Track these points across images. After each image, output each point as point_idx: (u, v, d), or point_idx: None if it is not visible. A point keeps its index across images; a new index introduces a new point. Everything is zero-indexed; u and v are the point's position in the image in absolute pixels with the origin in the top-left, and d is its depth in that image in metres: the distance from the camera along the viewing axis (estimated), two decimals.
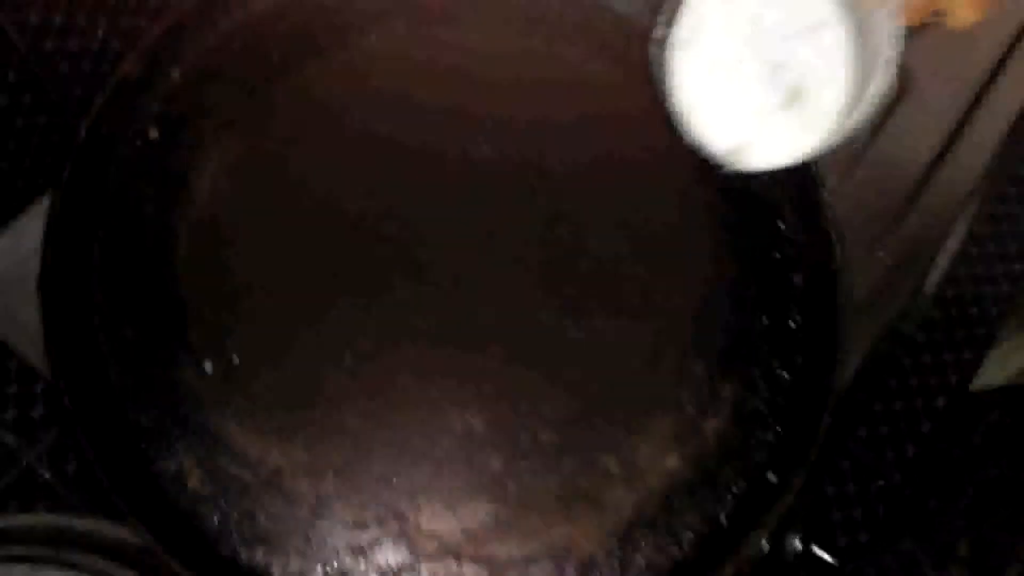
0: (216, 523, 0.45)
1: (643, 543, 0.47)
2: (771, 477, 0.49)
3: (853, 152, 0.65)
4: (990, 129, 0.68)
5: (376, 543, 0.46)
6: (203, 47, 0.54)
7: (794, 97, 0.39)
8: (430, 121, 0.55)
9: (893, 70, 0.37)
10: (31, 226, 0.53)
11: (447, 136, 0.55)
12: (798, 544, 0.52)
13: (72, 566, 0.48)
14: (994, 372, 0.96)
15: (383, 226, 0.53)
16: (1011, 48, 0.71)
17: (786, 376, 0.52)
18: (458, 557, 0.46)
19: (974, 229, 0.82)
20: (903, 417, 0.80)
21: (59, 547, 0.55)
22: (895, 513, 0.74)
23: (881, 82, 0.38)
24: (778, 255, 0.55)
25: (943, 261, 0.69)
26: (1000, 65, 0.70)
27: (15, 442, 0.62)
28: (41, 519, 0.56)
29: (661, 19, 0.41)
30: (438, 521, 0.47)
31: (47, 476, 0.64)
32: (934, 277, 0.68)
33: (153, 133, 0.52)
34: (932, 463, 0.76)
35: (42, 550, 0.54)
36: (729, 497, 0.49)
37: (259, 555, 0.45)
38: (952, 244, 0.70)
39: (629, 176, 0.56)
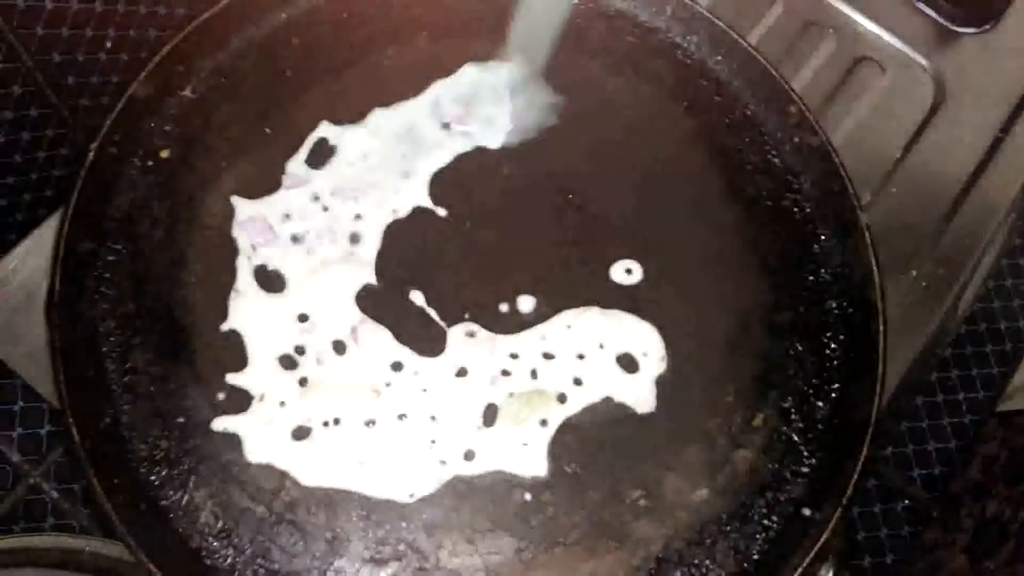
0: (229, 560, 0.43)
1: None
2: (806, 512, 0.47)
3: (887, 166, 0.63)
4: None
5: None
6: (215, 64, 0.53)
7: None
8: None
9: None
10: (38, 247, 0.52)
11: (469, 154, 0.54)
12: (830, 574, 0.50)
13: None
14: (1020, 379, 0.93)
15: (405, 246, 0.51)
16: None
17: (821, 405, 0.50)
18: None
19: (1011, 244, 0.79)
20: (930, 435, 0.78)
21: (66, 570, 0.54)
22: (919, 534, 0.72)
23: None
24: (813, 279, 0.53)
25: (979, 279, 0.67)
26: None
27: (21, 460, 0.61)
28: (48, 540, 0.55)
29: None
30: (459, 557, 0.45)
31: (54, 495, 0.63)
32: (969, 296, 0.66)
33: (164, 153, 0.51)
34: (934, 493, 0.75)
35: (49, 572, 0.53)
36: (761, 532, 0.47)
37: None
38: (989, 260, 0.67)
39: (659, 198, 0.54)
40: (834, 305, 0.52)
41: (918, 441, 0.77)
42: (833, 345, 0.51)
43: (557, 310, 0.51)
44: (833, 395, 0.50)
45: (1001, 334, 0.82)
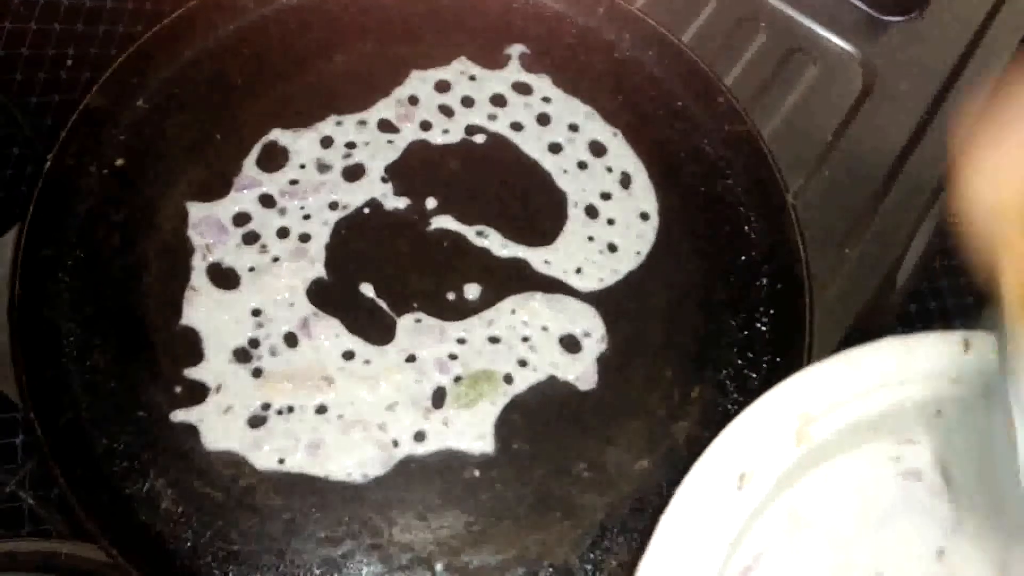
0: (189, 543, 0.45)
1: (615, 547, 0.48)
2: None
3: (819, 150, 0.66)
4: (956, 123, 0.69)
5: (350, 556, 0.46)
6: (167, 76, 0.55)
7: None
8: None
9: None
10: (1, 257, 0.54)
11: (416, 151, 0.56)
12: None
13: None
14: None
15: (355, 241, 0.54)
16: (975, 41, 0.72)
17: (755, 377, 0.53)
18: (431, 567, 0.46)
19: (949, 221, 0.82)
20: None
21: (44, 572, 0.55)
22: None
23: None
24: (745, 259, 0.56)
25: (914, 255, 0.70)
26: (964, 58, 0.71)
27: None
28: (25, 544, 0.56)
29: None
30: (411, 532, 0.47)
31: (30, 502, 0.64)
32: (905, 272, 0.69)
33: (119, 162, 0.53)
34: None
35: None
36: None
37: (233, 573, 0.45)
38: (922, 238, 0.70)
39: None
40: (765, 282, 0.55)
41: None
42: (764, 320, 0.54)
43: (502, 296, 0.53)
44: (765, 367, 0.53)
45: (949, 312, 0.85)
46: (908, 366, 0.39)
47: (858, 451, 0.39)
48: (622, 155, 0.58)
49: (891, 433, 0.40)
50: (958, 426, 0.39)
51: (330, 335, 0.51)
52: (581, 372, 0.52)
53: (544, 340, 0.52)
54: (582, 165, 0.57)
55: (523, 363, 0.52)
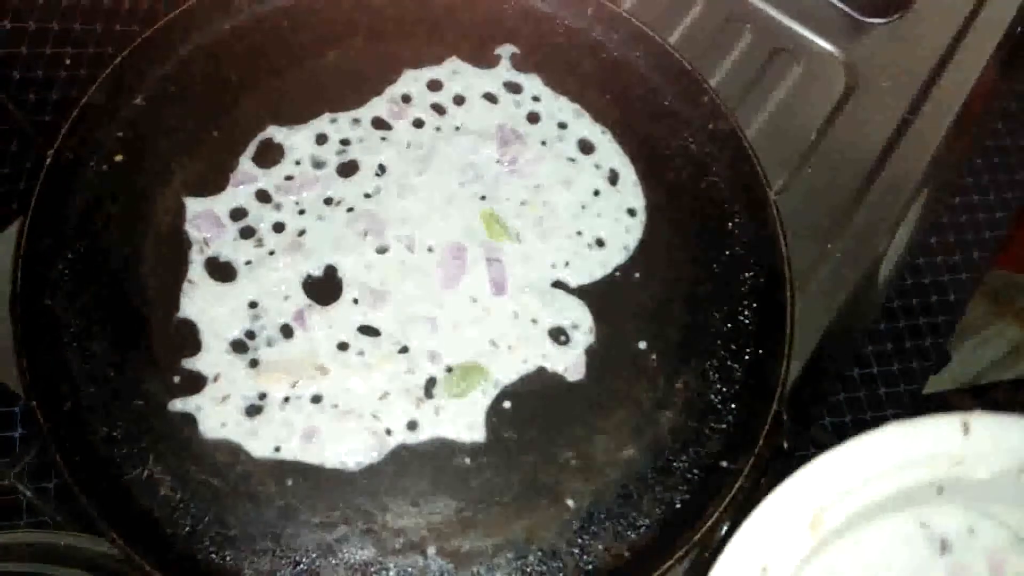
0: (187, 528, 0.47)
1: (602, 532, 0.49)
2: (723, 464, 0.51)
3: (803, 149, 0.68)
4: (937, 121, 0.71)
5: (343, 541, 0.47)
6: (164, 73, 0.57)
7: None
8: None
9: None
10: (3, 252, 0.55)
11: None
12: None
13: None
14: (967, 364, 0.98)
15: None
16: (956, 41, 0.73)
17: (737, 368, 0.54)
18: (424, 551, 0.48)
19: (931, 219, 0.84)
20: (867, 405, 0.82)
21: (42, 563, 0.56)
22: None
23: None
24: (728, 254, 0.57)
25: (896, 252, 0.71)
26: (946, 58, 0.73)
27: None
28: (23, 536, 0.57)
29: None
30: (404, 518, 0.49)
31: (28, 494, 0.65)
32: (886, 267, 0.70)
33: (118, 157, 0.54)
34: None
35: (25, 567, 0.56)
36: (683, 484, 0.51)
37: (230, 558, 0.46)
38: (904, 234, 0.72)
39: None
40: (748, 276, 0.56)
41: (856, 411, 0.82)
42: (748, 313, 0.55)
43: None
44: (747, 358, 0.54)
45: (932, 307, 0.87)
46: (911, 450, 0.41)
47: (873, 525, 0.42)
48: (610, 152, 0.59)
49: (897, 511, 0.42)
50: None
51: (324, 327, 0.52)
52: (569, 363, 0.53)
53: (534, 332, 0.54)
54: (571, 162, 0.59)
55: (513, 354, 0.53)
